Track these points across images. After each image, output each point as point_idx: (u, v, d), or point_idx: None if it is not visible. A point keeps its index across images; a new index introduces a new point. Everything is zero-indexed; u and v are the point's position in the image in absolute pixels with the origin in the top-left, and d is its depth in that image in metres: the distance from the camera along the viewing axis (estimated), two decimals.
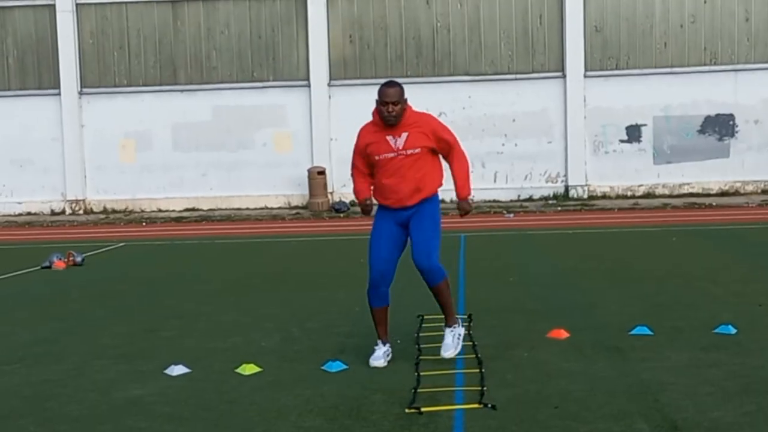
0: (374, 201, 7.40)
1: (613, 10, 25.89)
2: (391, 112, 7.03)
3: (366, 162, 7.32)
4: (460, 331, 7.32)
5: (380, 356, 7.29)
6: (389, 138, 7.11)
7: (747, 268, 12.18)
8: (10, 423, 5.96)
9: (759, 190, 25.71)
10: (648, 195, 25.85)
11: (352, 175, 7.47)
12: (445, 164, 7.38)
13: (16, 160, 27.13)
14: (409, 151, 7.08)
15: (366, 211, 7.40)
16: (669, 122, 25.92)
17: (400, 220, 7.23)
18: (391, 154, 7.09)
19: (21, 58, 27.10)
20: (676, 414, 5.70)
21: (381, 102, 7.08)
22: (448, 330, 7.27)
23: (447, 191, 7.32)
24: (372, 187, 7.39)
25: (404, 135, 7.08)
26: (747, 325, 8.25)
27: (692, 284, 10.87)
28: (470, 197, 7.34)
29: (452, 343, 7.20)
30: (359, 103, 26.10)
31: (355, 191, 7.45)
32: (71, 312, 10.45)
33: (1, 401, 6.50)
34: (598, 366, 6.97)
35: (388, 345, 7.42)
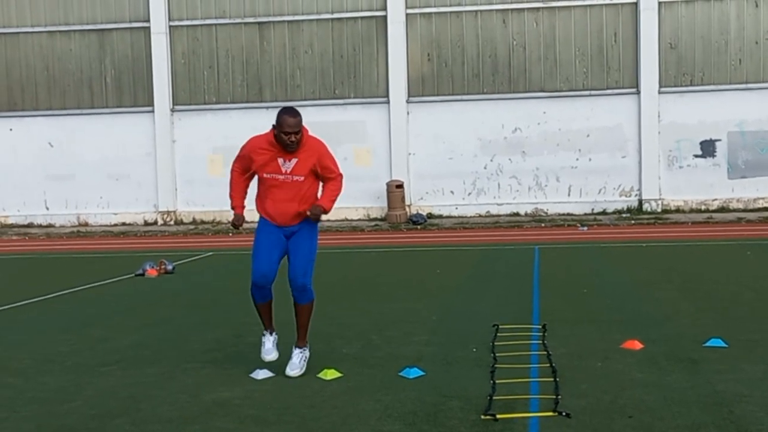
0: (245, 220, 7.48)
1: (688, 27, 25.71)
2: (293, 142, 7.10)
3: (245, 167, 7.44)
4: (307, 354, 7.56)
5: (271, 349, 7.57)
6: (280, 159, 7.20)
7: None
8: (107, 422, 6.23)
9: None
10: (722, 209, 25.61)
11: (231, 177, 7.56)
12: None
13: (112, 174, 28.14)
14: (296, 177, 7.19)
15: (236, 226, 7.51)
16: (744, 137, 25.63)
17: (283, 231, 7.37)
18: (280, 177, 7.20)
19: (118, 77, 28.05)
20: (752, 426, 5.68)
21: (282, 131, 7.09)
22: (297, 350, 7.54)
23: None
24: (245, 203, 7.54)
25: (294, 160, 7.18)
26: None
27: (767, 298, 10.79)
28: (324, 210, 7.28)
29: (298, 363, 7.47)
30: (437, 120, 26.44)
31: (231, 196, 7.55)
32: (163, 318, 10.80)
33: (99, 401, 6.79)
34: (673, 377, 6.97)
35: (275, 334, 7.68)
